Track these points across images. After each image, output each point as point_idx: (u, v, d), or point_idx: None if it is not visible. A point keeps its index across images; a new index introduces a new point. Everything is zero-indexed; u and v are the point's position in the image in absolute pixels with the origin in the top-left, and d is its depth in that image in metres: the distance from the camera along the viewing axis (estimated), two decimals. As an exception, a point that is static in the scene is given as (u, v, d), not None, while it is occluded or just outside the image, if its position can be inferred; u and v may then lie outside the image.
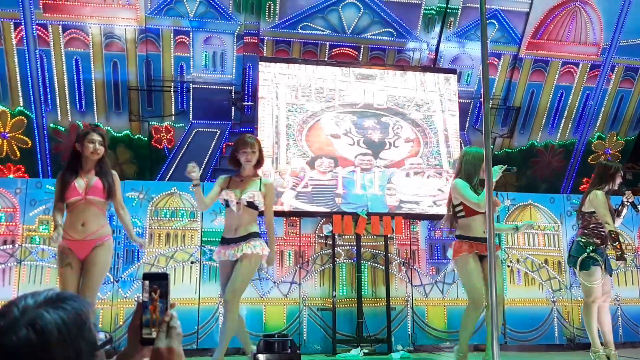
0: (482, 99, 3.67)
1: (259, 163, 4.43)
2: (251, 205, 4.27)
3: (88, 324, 1.10)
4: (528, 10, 7.59)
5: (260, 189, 4.31)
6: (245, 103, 7.29)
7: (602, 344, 4.89)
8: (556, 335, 6.53)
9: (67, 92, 7.05)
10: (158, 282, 1.28)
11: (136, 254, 5.94)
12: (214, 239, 6.05)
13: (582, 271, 4.84)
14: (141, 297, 1.29)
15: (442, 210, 6.40)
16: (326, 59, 7.22)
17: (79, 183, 4.04)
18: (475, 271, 4.29)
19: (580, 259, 4.83)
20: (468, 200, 4.30)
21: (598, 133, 8.39)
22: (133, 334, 1.28)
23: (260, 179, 4.42)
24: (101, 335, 1.23)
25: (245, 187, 4.31)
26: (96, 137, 4.08)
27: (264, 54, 7.18)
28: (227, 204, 4.30)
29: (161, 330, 1.26)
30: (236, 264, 4.20)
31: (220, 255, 4.28)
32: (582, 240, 4.92)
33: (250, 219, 4.29)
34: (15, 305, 1.07)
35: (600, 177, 5.02)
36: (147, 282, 1.28)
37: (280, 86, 6.47)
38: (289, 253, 6.24)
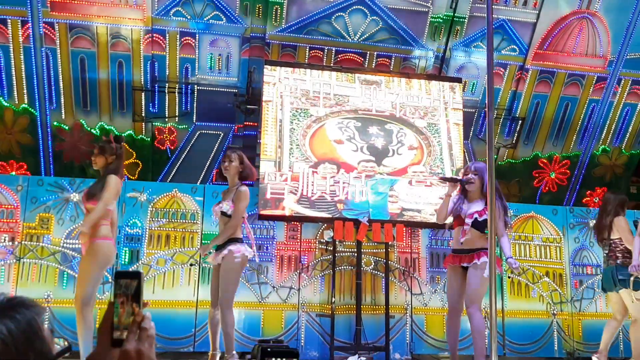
0: (486, 109, 3.65)
1: (241, 174, 4.79)
2: (224, 214, 4.68)
3: (40, 333, 1.06)
4: (535, 21, 7.57)
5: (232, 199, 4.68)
6: (250, 106, 7.26)
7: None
8: (556, 348, 6.48)
9: (72, 90, 7.05)
10: (130, 281, 1.23)
11: (135, 254, 5.92)
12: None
13: (636, 290, 5.03)
14: (112, 297, 1.24)
15: (444, 219, 6.38)
16: (332, 64, 7.21)
17: None
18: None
19: (632, 280, 5.03)
20: None
21: (603, 146, 8.34)
22: (103, 335, 1.23)
23: (237, 188, 4.74)
24: (62, 344, 1.19)
25: (225, 197, 4.78)
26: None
27: (270, 58, 7.17)
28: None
29: (131, 331, 1.21)
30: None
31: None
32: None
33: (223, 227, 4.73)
34: None
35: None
36: (119, 282, 1.23)
37: (285, 90, 6.46)
38: (289, 258, 6.21)
